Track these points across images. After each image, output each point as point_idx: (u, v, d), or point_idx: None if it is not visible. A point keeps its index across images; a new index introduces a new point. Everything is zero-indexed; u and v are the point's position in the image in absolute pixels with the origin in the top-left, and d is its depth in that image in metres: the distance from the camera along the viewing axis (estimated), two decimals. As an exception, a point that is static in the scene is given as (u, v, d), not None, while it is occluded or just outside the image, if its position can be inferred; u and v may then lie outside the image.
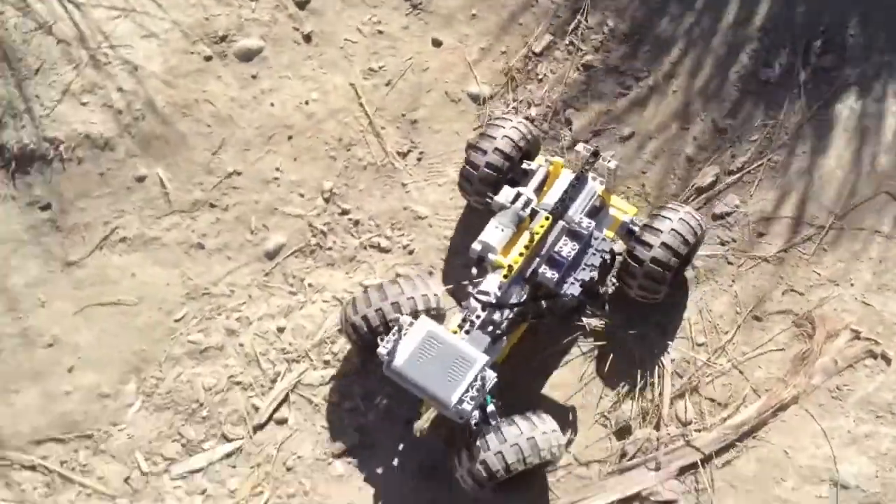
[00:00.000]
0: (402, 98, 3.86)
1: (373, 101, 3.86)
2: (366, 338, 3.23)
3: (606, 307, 3.36)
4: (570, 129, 3.79)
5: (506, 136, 3.36)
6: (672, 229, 3.22)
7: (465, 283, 3.23)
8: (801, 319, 3.46)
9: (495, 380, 3.04)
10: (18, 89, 3.72)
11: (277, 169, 3.78)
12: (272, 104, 3.83)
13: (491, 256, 3.14)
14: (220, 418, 3.50)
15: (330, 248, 3.68)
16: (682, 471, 3.33)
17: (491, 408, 3.10)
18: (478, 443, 3.02)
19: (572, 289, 3.12)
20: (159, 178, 3.73)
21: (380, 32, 3.91)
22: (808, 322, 3.46)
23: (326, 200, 3.74)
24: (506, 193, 3.24)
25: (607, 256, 3.19)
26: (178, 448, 3.47)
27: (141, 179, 3.73)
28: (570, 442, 3.37)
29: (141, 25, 3.82)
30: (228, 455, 3.46)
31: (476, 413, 3.05)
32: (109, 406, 3.54)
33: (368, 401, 3.46)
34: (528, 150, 3.46)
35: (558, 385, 3.46)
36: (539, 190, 3.33)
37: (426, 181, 3.77)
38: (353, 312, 3.24)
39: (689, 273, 3.54)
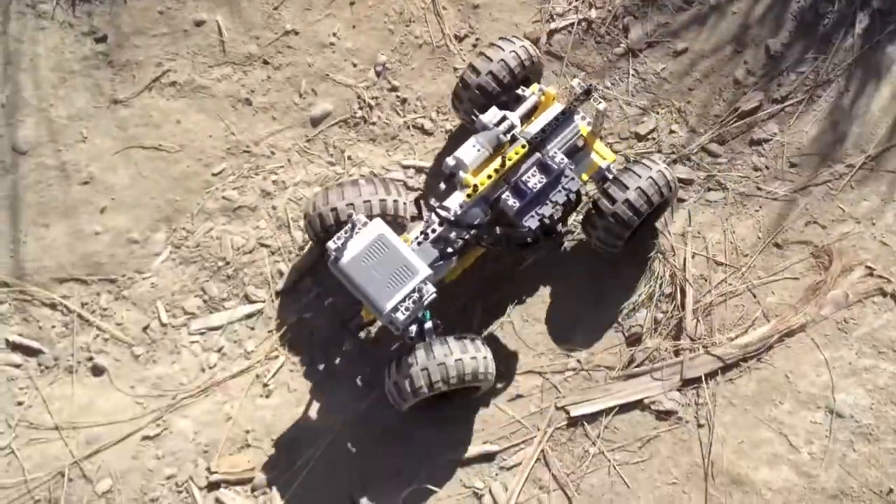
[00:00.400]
0: (467, -19, 3.86)
1: (438, -21, 3.85)
2: (320, 235, 3.25)
3: (563, 248, 3.40)
4: (627, 37, 3.81)
5: (503, 59, 3.34)
6: (639, 188, 3.20)
7: (428, 196, 3.27)
8: (819, 251, 3.58)
9: (434, 295, 3.02)
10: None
11: (335, 34, 3.77)
12: (340, -35, 3.81)
13: (461, 174, 3.12)
14: (245, 279, 3.57)
15: (374, 123, 3.72)
16: (686, 383, 3.46)
17: (429, 325, 3.12)
18: (408, 357, 3.05)
19: (531, 221, 3.16)
20: (217, 26, 3.72)
21: (453, -89, 3.88)
22: (826, 254, 3.58)
23: (378, 74, 3.76)
24: (491, 114, 3.21)
25: (573, 196, 3.20)
26: (200, 303, 3.55)
27: (199, 24, 3.71)
28: (499, 380, 3.44)
29: None
30: (248, 316, 3.55)
31: (413, 328, 3.07)
32: (136, 252, 3.59)
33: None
34: (526, 76, 3.44)
35: (574, 288, 3.54)
36: (526, 118, 3.30)
37: (477, 68, 3.79)
38: (312, 209, 3.26)
39: (715, 195, 3.63)
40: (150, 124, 3.65)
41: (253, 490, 3.30)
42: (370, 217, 3.13)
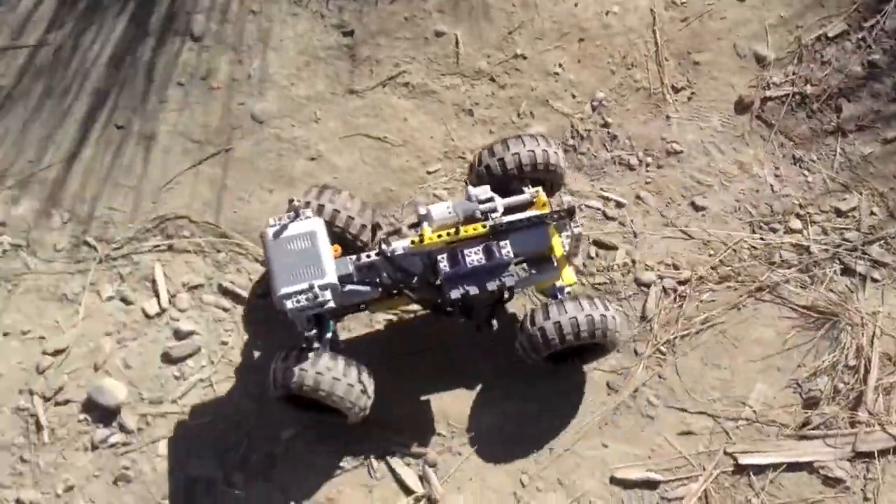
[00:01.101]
0: (692, 37, 4.08)
1: (665, 31, 4.08)
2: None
3: (484, 330, 3.39)
4: (839, 116, 3.96)
5: (517, 153, 3.39)
6: (558, 322, 3.23)
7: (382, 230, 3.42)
8: None
9: (331, 305, 3.09)
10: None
11: (560, 65, 4.02)
12: (576, 4, 4.08)
13: (424, 225, 3.20)
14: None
15: (583, 153, 3.92)
16: (857, 456, 3.49)
17: (329, 335, 3.20)
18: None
19: (454, 292, 3.18)
20: (456, 39, 4.00)
21: (689, -28, 4.14)
22: None
23: (594, 108, 3.98)
24: (480, 190, 3.29)
25: (505, 292, 3.26)
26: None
27: (439, 35, 4.00)
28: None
29: None
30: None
31: (314, 331, 3.15)
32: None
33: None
34: (540, 179, 3.47)
35: (760, 340, 3.64)
36: (511, 211, 3.31)
37: (689, 120, 3.99)
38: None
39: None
40: (379, 117, 3.91)
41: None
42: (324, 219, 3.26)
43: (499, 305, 3.37)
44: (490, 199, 3.25)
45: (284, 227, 3.15)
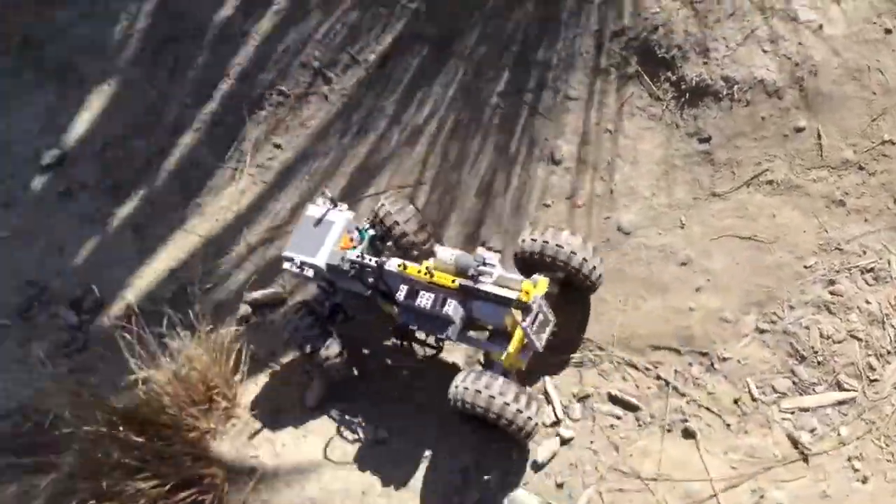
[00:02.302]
0: None
1: None
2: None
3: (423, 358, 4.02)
4: None
5: (558, 245, 3.78)
6: (475, 391, 3.64)
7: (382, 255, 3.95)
8: None
9: (308, 277, 3.90)
10: (709, 29, 4.20)
11: (933, 153, 3.99)
12: (942, 82, 4.05)
13: (431, 259, 3.81)
14: (835, 367, 3.75)
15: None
16: None
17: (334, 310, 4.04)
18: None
19: (402, 317, 3.80)
20: (816, 132, 4.07)
21: None
22: None
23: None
24: (489, 255, 3.77)
25: (433, 340, 3.94)
26: (789, 384, 3.79)
27: (799, 130, 4.09)
28: None
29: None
30: (840, 403, 3.70)
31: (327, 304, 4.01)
32: (727, 330, 3.92)
33: None
34: (564, 279, 3.86)
35: None
36: (502, 286, 3.71)
37: None
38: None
39: None
40: (746, 217, 4.03)
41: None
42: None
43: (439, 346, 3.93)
44: (488, 264, 3.71)
45: (325, 211, 3.96)
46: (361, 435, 4.05)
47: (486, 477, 3.85)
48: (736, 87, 4.11)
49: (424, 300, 3.69)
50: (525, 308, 3.61)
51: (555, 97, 4.41)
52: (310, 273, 3.89)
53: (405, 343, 3.92)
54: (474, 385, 3.61)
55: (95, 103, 5.31)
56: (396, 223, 4.02)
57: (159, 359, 4.07)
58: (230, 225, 4.80)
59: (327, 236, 3.89)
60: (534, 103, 4.44)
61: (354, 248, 3.92)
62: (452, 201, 4.39)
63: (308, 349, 3.95)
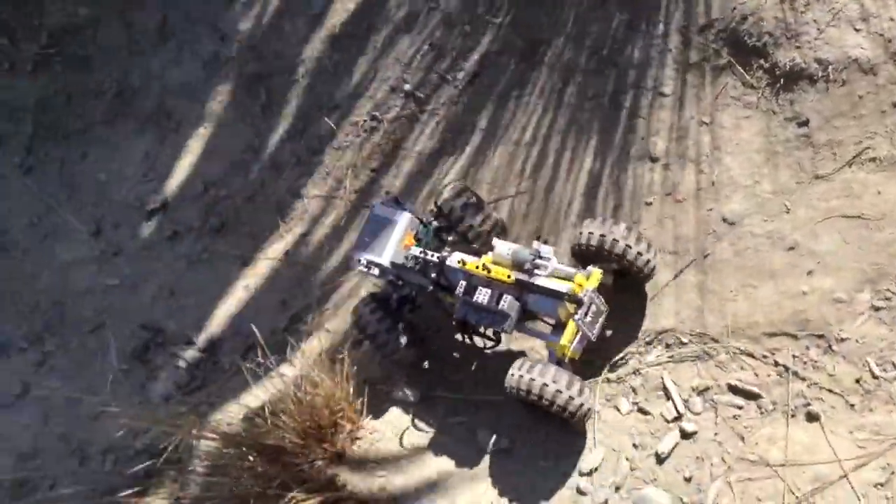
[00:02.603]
0: None
1: None
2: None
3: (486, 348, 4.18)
4: None
5: (614, 239, 3.91)
6: (530, 379, 3.81)
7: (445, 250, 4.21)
8: None
9: (374, 275, 4.22)
10: (798, 13, 4.23)
11: None
12: None
13: (490, 253, 4.01)
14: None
15: None
16: None
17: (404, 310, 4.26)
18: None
19: (459, 313, 3.95)
20: (910, 105, 4.06)
21: None
22: None
23: None
24: (545, 249, 3.94)
25: (493, 330, 4.08)
26: (912, 362, 3.76)
27: (896, 105, 4.08)
28: None
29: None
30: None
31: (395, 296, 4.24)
32: (842, 310, 3.91)
33: None
34: (620, 269, 4.01)
35: None
36: (557, 277, 3.91)
37: None
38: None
39: None
40: (851, 196, 4.03)
41: None
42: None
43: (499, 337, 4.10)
44: (543, 258, 3.87)
45: (391, 210, 4.19)
46: (486, 445, 4.11)
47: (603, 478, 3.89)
48: (830, 67, 4.12)
49: (482, 296, 3.87)
50: (577, 301, 3.79)
51: (647, 95, 4.46)
52: (376, 271, 4.15)
53: (466, 335, 4.10)
54: (528, 374, 3.79)
55: (193, 146, 5.52)
56: (461, 216, 4.22)
57: (282, 387, 4.21)
58: (335, 251, 4.94)
59: (392, 235, 4.13)
60: (626, 104, 4.50)
61: (419, 241, 4.20)
62: (552, 209, 4.46)
63: (380, 341, 4.22)
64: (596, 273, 3.89)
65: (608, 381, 4.16)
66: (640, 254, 3.94)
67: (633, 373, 4.12)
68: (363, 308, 4.26)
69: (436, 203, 4.30)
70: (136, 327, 5.28)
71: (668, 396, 4.02)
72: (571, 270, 3.91)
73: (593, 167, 4.48)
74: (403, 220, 4.18)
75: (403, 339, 4.21)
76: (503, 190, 4.65)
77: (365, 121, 5.05)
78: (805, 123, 4.18)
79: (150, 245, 5.49)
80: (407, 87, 5.01)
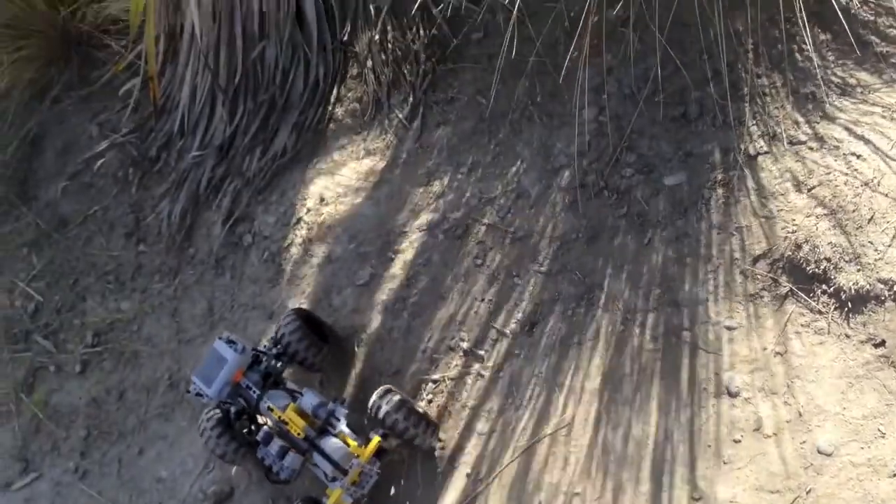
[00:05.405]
0: None
1: None
2: None
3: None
4: None
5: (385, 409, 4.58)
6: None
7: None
8: None
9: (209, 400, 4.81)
10: (852, 236, 4.36)
11: None
12: None
13: (298, 401, 4.70)
14: None
15: None
16: None
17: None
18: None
19: (260, 451, 4.65)
20: None
21: None
22: None
23: None
24: (339, 411, 4.63)
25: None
26: None
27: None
28: None
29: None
30: None
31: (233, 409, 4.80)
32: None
33: None
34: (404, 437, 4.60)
35: None
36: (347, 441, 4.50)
37: None
38: None
39: None
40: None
41: None
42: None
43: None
44: (336, 418, 4.57)
45: (225, 347, 4.73)
46: None
47: None
48: (895, 287, 4.20)
49: (274, 446, 4.49)
50: (343, 471, 4.37)
51: (712, 329, 4.53)
52: (204, 400, 4.80)
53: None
54: None
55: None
56: (290, 343, 4.81)
57: None
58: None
59: (222, 371, 4.69)
60: (691, 340, 4.56)
61: (248, 373, 4.76)
62: (626, 455, 4.46)
63: (234, 463, 4.91)
64: (374, 440, 4.39)
65: None
66: (407, 429, 4.49)
67: None
68: (206, 426, 4.79)
69: (274, 334, 4.89)
70: None
71: None
72: (353, 439, 4.45)
73: (665, 408, 4.52)
74: (234, 361, 4.72)
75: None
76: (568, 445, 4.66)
77: (427, 384, 5.11)
78: (882, 344, 4.24)
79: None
80: (465, 345, 5.09)
